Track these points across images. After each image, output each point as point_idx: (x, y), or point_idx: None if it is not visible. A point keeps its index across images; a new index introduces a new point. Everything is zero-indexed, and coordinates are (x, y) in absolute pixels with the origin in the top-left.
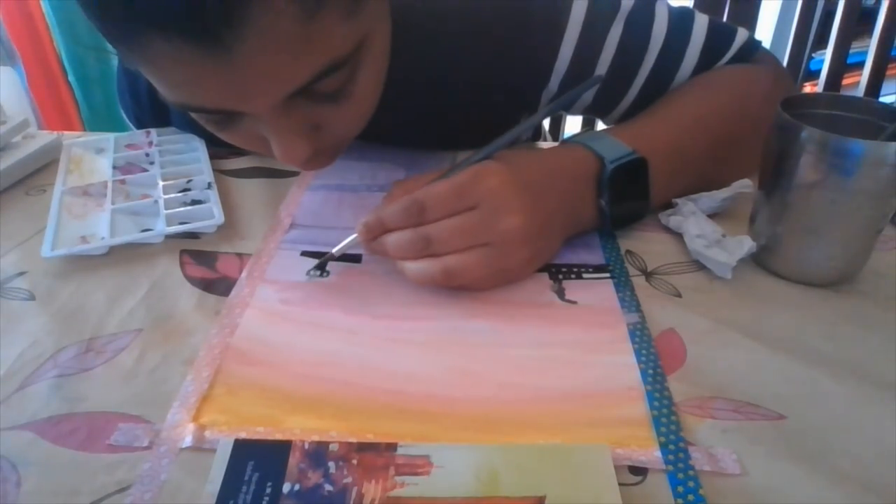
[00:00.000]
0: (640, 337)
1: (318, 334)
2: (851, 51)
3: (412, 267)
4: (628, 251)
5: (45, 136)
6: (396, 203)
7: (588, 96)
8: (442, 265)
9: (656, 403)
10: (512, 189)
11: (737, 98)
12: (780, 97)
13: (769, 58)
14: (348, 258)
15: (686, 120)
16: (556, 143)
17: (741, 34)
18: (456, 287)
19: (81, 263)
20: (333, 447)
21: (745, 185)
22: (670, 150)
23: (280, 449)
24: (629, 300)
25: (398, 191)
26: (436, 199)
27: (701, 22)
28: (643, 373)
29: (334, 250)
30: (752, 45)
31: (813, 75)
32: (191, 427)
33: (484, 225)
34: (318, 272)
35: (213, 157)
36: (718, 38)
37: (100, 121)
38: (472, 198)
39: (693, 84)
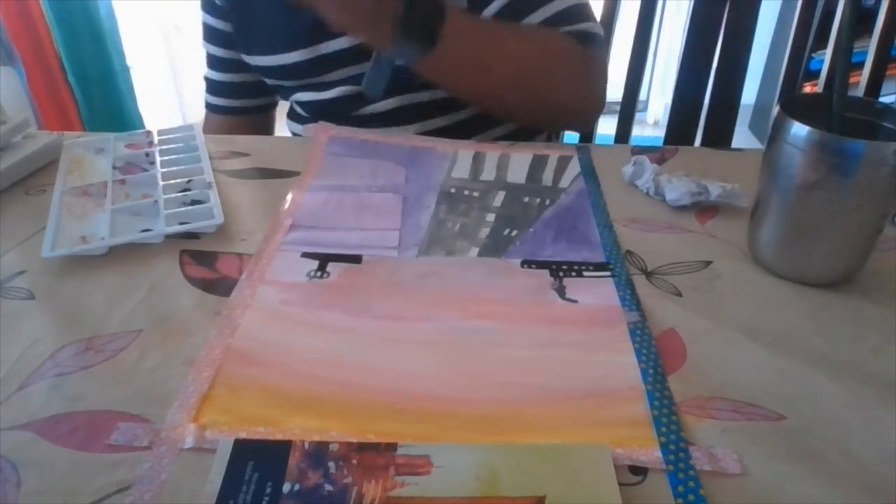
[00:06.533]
0: (641, 336)
1: (318, 335)
2: None
3: None
4: (628, 251)
5: (45, 136)
6: None
7: None
8: None
9: (657, 403)
10: None
11: (545, 50)
12: (572, 75)
13: (595, 54)
14: (348, 259)
15: (505, 37)
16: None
17: (591, 26)
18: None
19: (81, 263)
20: (333, 447)
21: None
22: (480, 29)
23: (280, 449)
24: (630, 299)
25: None
26: None
27: None
28: (643, 372)
29: None
30: (590, 38)
31: (813, 75)
32: (191, 427)
33: None
34: (319, 273)
35: (213, 157)
36: (576, 13)
37: (100, 121)
38: None
39: (530, 26)
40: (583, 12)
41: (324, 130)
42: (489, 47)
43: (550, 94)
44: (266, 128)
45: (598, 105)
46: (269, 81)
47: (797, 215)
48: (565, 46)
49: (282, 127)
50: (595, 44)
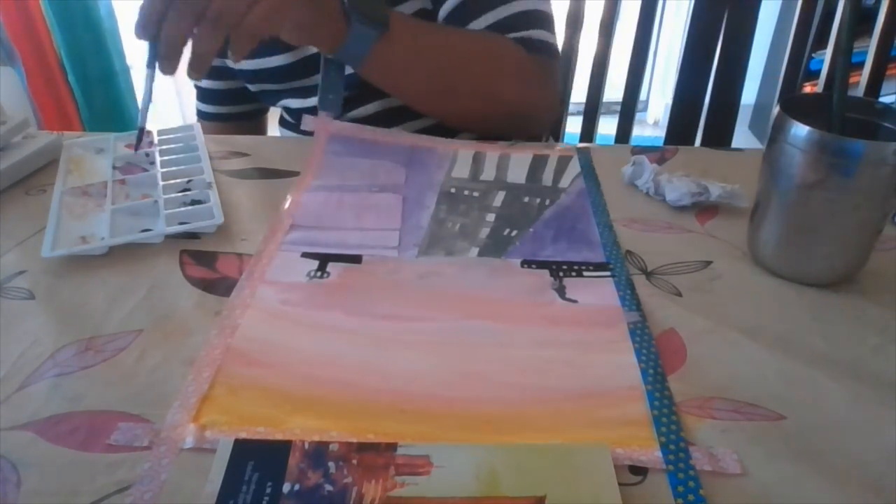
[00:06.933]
0: (641, 336)
1: (318, 335)
2: None
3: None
4: (628, 251)
5: (45, 136)
6: None
7: None
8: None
9: (657, 403)
10: None
11: (489, 48)
12: (517, 75)
13: (543, 60)
14: (348, 259)
15: (448, 34)
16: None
17: (541, 34)
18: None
19: (81, 263)
20: (333, 447)
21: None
22: (421, 23)
23: (280, 449)
24: (630, 299)
25: None
26: None
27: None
28: (643, 372)
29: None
30: (538, 46)
31: (813, 75)
32: (191, 427)
33: None
34: (319, 273)
35: (213, 157)
36: (528, 20)
37: (100, 121)
38: None
39: (477, 31)
40: (536, 20)
41: (324, 125)
42: (433, 40)
43: (494, 92)
44: (258, 134)
45: (545, 108)
46: (252, 87)
47: (797, 215)
48: (510, 48)
49: (273, 133)
50: (544, 52)
